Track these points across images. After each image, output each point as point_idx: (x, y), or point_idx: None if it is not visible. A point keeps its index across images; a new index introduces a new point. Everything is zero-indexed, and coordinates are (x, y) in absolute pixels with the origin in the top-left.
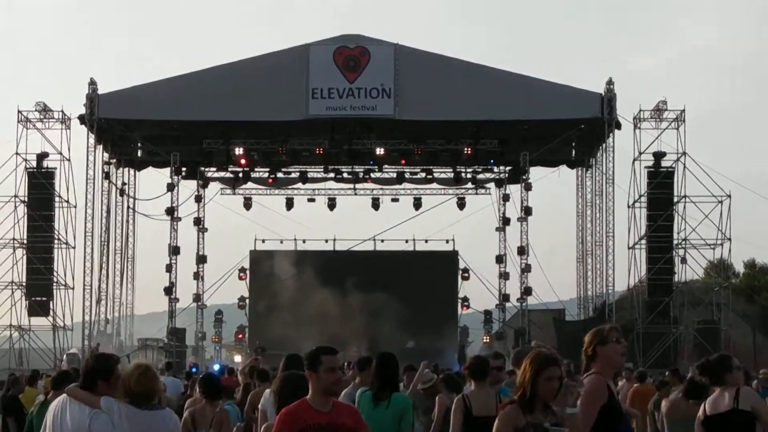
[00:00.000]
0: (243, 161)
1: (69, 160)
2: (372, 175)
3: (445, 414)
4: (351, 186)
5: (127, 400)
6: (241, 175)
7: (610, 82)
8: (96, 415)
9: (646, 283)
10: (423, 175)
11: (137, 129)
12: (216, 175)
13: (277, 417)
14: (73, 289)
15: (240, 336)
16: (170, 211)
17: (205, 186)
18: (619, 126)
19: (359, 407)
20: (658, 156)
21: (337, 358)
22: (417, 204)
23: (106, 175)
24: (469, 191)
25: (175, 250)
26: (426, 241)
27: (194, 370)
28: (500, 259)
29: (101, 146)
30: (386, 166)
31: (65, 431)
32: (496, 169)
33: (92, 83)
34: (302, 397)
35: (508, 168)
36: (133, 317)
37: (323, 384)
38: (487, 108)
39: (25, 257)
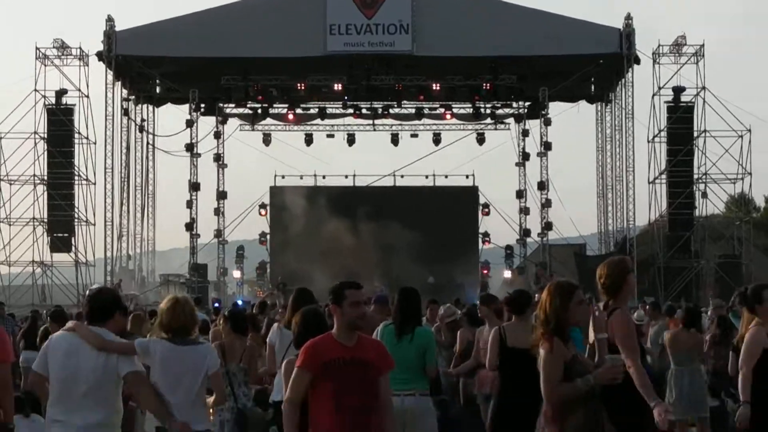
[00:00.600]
0: (261, 97)
1: (88, 96)
2: (391, 111)
3: (467, 347)
4: (370, 122)
5: (164, 335)
6: (259, 110)
7: (628, 17)
8: (124, 360)
9: (667, 217)
10: (442, 110)
11: (155, 66)
12: (235, 111)
13: (301, 350)
14: (94, 225)
15: (261, 271)
16: (190, 147)
17: (224, 122)
18: (638, 61)
19: (382, 341)
20: (678, 91)
21: (361, 292)
22: (436, 139)
23: (125, 112)
24: (489, 127)
25: (195, 186)
26: (446, 176)
27: (217, 305)
28: (520, 194)
29: (120, 83)
30: (405, 101)
31: (82, 374)
32: (515, 105)
33: (110, 20)
34: (320, 332)
35: (527, 103)
36: (154, 253)
37: (347, 318)
38: (505, 43)
39: (45, 194)
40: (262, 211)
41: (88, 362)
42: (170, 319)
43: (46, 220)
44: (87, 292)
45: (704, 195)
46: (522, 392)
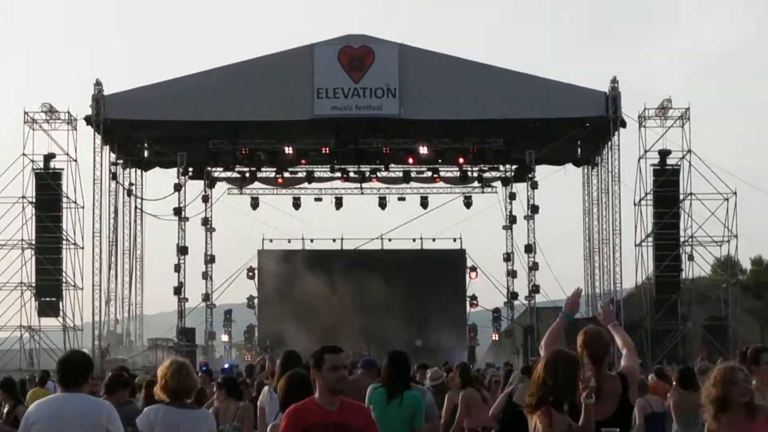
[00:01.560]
0: (249, 161)
1: (76, 160)
2: (378, 174)
3: (453, 411)
4: (357, 185)
5: (165, 398)
6: (247, 175)
7: (614, 81)
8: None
9: (654, 280)
10: (429, 174)
11: (144, 129)
12: (223, 175)
13: (283, 415)
14: (82, 289)
15: (249, 335)
16: (178, 211)
17: (212, 186)
18: (624, 124)
19: (371, 404)
20: (664, 154)
21: (340, 356)
22: (424, 203)
23: (113, 176)
24: (476, 190)
25: (183, 250)
26: (433, 239)
27: (204, 369)
28: (508, 257)
29: (108, 147)
30: (392, 165)
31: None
32: (502, 168)
33: (98, 84)
34: (305, 395)
35: (514, 166)
36: (142, 317)
37: (327, 383)
38: (492, 107)
39: (33, 258)
40: (250, 275)
41: (71, 429)
42: (176, 383)
43: (33, 285)
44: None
45: (691, 258)
46: None
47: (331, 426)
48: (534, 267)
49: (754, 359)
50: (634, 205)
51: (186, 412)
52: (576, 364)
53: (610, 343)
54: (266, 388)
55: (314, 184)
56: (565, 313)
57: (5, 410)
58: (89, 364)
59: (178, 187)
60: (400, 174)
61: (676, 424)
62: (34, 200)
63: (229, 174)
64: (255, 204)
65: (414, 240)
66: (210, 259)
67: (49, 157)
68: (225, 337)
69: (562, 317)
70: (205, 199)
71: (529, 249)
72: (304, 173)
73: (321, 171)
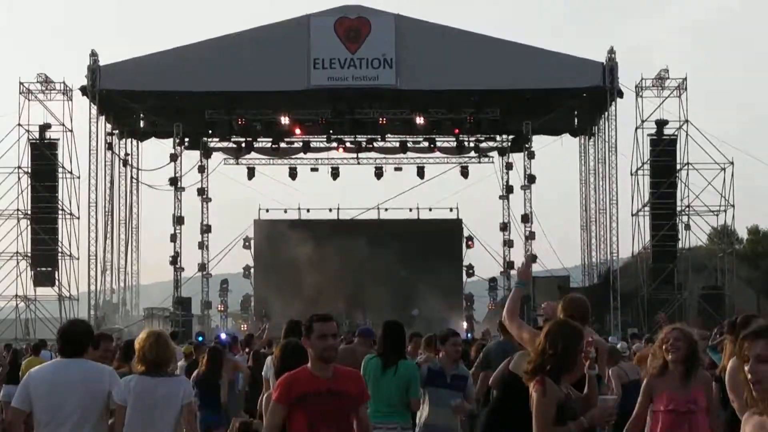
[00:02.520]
0: (245, 131)
1: (71, 131)
2: (375, 144)
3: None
4: (354, 155)
5: (142, 369)
6: (243, 145)
7: (611, 51)
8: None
9: (650, 249)
10: (426, 144)
11: (139, 100)
12: (219, 145)
13: (276, 383)
14: (78, 259)
15: (245, 305)
16: (174, 182)
17: (207, 156)
18: (621, 95)
19: (366, 373)
20: (661, 124)
21: (329, 325)
22: (420, 173)
23: (109, 146)
24: (472, 160)
25: (179, 220)
26: (430, 209)
27: (200, 339)
28: (504, 227)
29: (103, 117)
30: (389, 135)
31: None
32: (498, 138)
33: (93, 54)
34: (299, 364)
35: (510, 137)
36: (138, 287)
37: (316, 351)
38: (488, 77)
39: (29, 228)
40: (247, 244)
41: (75, 393)
42: (154, 355)
43: (29, 254)
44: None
45: (687, 227)
46: (513, 418)
47: (324, 394)
48: (531, 236)
49: (746, 327)
50: (631, 174)
51: (160, 380)
52: (578, 335)
53: (589, 308)
54: (269, 358)
55: (310, 154)
56: (519, 282)
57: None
58: (88, 334)
59: (174, 158)
60: (397, 144)
61: None
62: (29, 170)
63: (225, 144)
64: (251, 174)
65: (410, 210)
66: (206, 229)
67: (44, 128)
68: (221, 307)
69: (516, 286)
70: (201, 169)
71: (526, 219)
72: (301, 143)
73: (317, 141)
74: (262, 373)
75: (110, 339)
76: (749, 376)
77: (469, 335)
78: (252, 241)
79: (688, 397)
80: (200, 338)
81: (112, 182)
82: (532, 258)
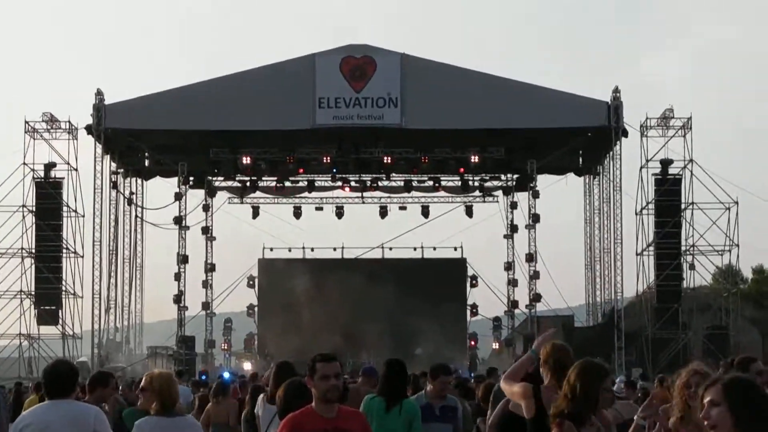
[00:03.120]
0: (250, 170)
1: (76, 170)
2: (379, 184)
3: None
4: (359, 194)
5: (157, 408)
6: (248, 184)
7: (616, 90)
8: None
9: (655, 289)
10: (430, 183)
11: (144, 139)
12: (223, 184)
13: (281, 424)
14: (81, 297)
15: (249, 343)
16: (178, 220)
17: (212, 195)
18: (626, 134)
19: (368, 413)
20: (665, 163)
21: (331, 365)
22: (425, 212)
23: (114, 185)
24: (477, 199)
25: (183, 259)
26: (434, 248)
27: (203, 377)
28: (509, 266)
29: (108, 156)
30: (393, 174)
31: None
32: (503, 177)
33: (99, 93)
34: (303, 403)
35: (515, 176)
36: (142, 326)
37: (319, 391)
38: (493, 116)
39: (33, 266)
40: (251, 283)
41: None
42: (168, 395)
43: (33, 293)
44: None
45: (692, 267)
46: None
47: None
48: (535, 276)
49: (744, 369)
50: (636, 214)
51: (178, 422)
52: (600, 376)
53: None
54: (261, 396)
55: (315, 194)
56: (533, 350)
57: None
58: (74, 374)
59: (178, 196)
60: (402, 183)
61: None
62: (34, 209)
63: (229, 183)
64: (256, 213)
65: (415, 249)
66: (210, 268)
67: (49, 166)
68: (225, 346)
69: (531, 353)
70: (206, 208)
71: (530, 258)
72: (305, 182)
73: (322, 180)
74: (255, 410)
75: (113, 377)
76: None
77: (471, 374)
78: (256, 280)
79: None
80: (203, 377)
81: (116, 221)
82: (553, 333)
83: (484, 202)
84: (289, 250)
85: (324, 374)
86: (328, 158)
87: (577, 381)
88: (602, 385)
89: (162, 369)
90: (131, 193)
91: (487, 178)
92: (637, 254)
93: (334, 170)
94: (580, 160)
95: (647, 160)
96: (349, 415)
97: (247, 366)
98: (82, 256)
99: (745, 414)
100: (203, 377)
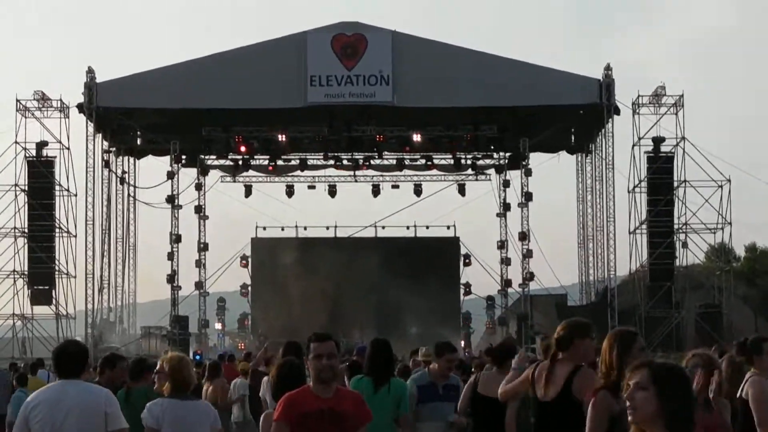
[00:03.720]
0: (243, 149)
1: (68, 148)
2: (372, 162)
3: None
4: (351, 173)
5: (170, 391)
6: (240, 162)
7: (608, 68)
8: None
9: (648, 267)
10: (423, 161)
11: (136, 117)
12: (216, 162)
13: (278, 403)
14: (75, 277)
15: (243, 323)
16: (171, 199)
17: (205, 174)
18: (618, 111)
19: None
20: (658, 141)
21: (324, 345)
22: (417, 190)
23: (106, 164)
24: (470, 177)
25: (176, 238)
26: (427, 227)
27: (198, 357)
28: (502, 245)
29: (100, 135)
30: (386, 152)
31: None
32: (495, 155)
33: (90, 71)
34: (296, 383)
35: (507, 154)
36: (135, 305)
37: (313, 371)
38: (485, 94)
39: (26, 246)
40: (244, 263)
41: (73, 415)
42: (182, 378)
43: (26, 273)
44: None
45: (684, 245)
46: None
47: (325, 413)
48: (528, 254)
49: (756, 349)
50: (628, 192)
51: (190, 405)
52: (625, 339)
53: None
54: (266, 378)
55: (307, 172)
56: (520, 367)
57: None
58: (84, 354)
59: (171, 175)
60: (394, 161)
61: None
62: (26, 188)
63: (222, 162)
64: (248, 192)
65: (408, 227)
66: (203, 247)
67: (41, 145)
68: (218, 325)
69: (518, 370)
70: (198, 186)
71: (523, 236)
72: (298, 161)
73: (314, 159)
74: (260, 394)
75: (124, 359)
76: (627, 402)
77: (466, 353)
78: (249, 259)
79: (719, 421)
80: (198, 357)
81: (109, 200)
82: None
83: (477, 180)
84: (282, 229)
85: (317, 354)
86: (320, 136)
87: (607, 352)
88: (632, 349)
89: (176, 351)
90: (123, 172)
91: (480, 156)
92: (629, 232)
93: (327, 149)
94: (573, 138)
95: (639, 138)
96: (347, 395)
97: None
98: (75, 236)
99: (672, 401)
100: (197, 357)
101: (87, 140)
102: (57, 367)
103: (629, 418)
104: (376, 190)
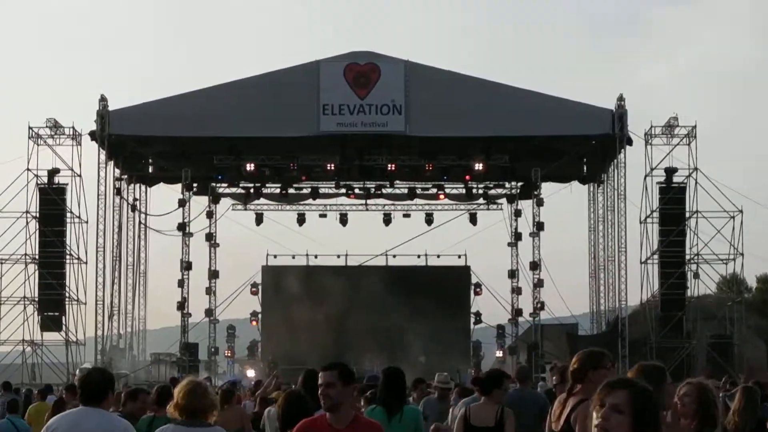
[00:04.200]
0: (254, 177)
1: (80, 176)
2: (383, 191)
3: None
4: (362, 201)
5: (176, 415)
6: (252, 190)
7: (620, 98)
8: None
9: (659, 297)
10: (434, 190)
11: (148, 145)
12: (227, 190)
13: (294, 429)
14: (85, 304)
15: (255, 350)
16: (182, 227)
17: (216, 201)
18: (630, 142)
19: None
20: (670, 171)
21: (324, 374)
22: (428, 219)
23: (118, 191)
24: (481, 206)
25: (187, 266)
26: (438, 256)
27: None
28: (512, 274)
29: (112, 162)
30: (397, 181)
31: None
32: (507, 185)
33: (103, 99)
34: (301, 413)
35: (519, 183)
36: (145, 332)
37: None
38: (498, 124)
39: (37, 272)
40: (254, 290)
41: None
42: (186, 402)
43: (36, 299)
44: (77, 372)
45: (696, 275)
46: None
47: None
48: (539, 284)
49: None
50: (640, 222)
51: (196, 430)
52: (662, 377)
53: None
54: (268, 409)
55: (319, 201)
56: None
57: None
58: (108, 383)
59: (182, 203)
60: (405, 190)
61: None
62: (38, 215)
63: (233, 190)
64: (259, 220)
65: (419, 256)
66: (213, 275)
67: (53, 172)
68: (228, 352)
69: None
70: (210, 214)
71: (534, 266)
72: (309, 189)
73: (326, 187)
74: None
75: (148, 393)
76: (598, 422)
77: None
78: (260, 287)
79: None
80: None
81: (120, 227)
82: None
83: (488, 209)
84: (293, 257)
85: (319, 383)
86: (332, 165)
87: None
88: (662, 387)
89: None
90: (135, 199)
91: (491, 185)
92: (641, 262)
93: (338, 177)
94: (585, 168)
95: (652, 169)
96: (363, 425)
97: (251, 373)
98: (86, 263)
99: (645, 425)
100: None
101: (99, 168)
102: (81, 393)
103: None
104: (387, 219)
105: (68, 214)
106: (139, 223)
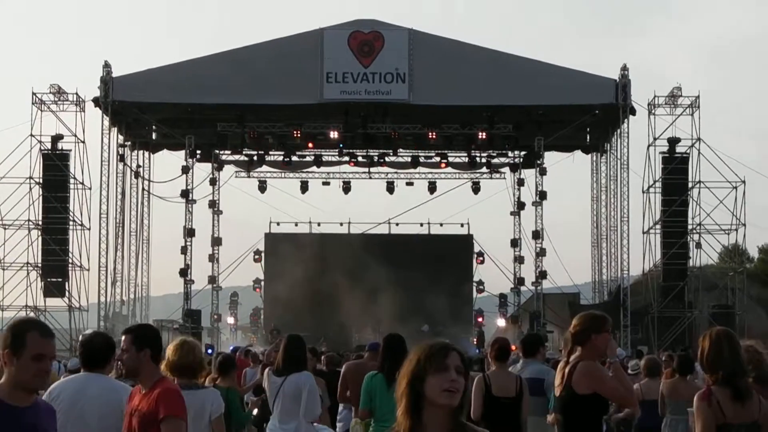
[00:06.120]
0: (257, 145)
1: (83, 142)
2: (386, 159)
3: None
4: (366, 170)
5: (172, 376)
6: (255, 158)
7: (624, 68)
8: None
9: (661, 267)
10: (438, 159)
11: (152, 112)
12: (231, 158)
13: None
14: (88, 270)
15: (255, 318)
16: (185, 194)
17: (219, 169)
18: (633, 112)
19: (372, 390)
20: (673, 142)
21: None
22: (431, 188)
23: (121, 158)
24: (484, 175)
25: (190, 233)
26: (441, 224)
27: (209, 351)
28: (515, 243)
29: (116, 128)
30: (401, 149)
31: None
32: (510, 154)
33: (106, 65)
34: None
35: (522, 153)
36: (148, 299)
37: None
38: (501, 93)
39: (40, 238)
40: (257, 258)
41: (95, 407)
42: (176, 358)
43: (39, 265)
44: (80, 337)
45: (698, 245)
46: None
47: None
48: (541, 253)
49: None
50: (643, 192)
51: (187, 393)
52: (732, 338)
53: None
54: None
55: (322, 168)
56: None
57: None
58: (110, 348)
59: (185, 170)
60: (409, 159)
61: (669, 410)
62: (41, 181)
63: (237, 157)
64: (263, 187)
65: (421, 225)
66: (216, 242)
67: (56, 138)
68: (231, 320)
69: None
70: (213, 181)
71: (537, 235)
72: (312, 157)
73: (329, 155)
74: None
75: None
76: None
77: (478, 350)
78: (262, 255)
79: None
80: (209, 351)
81: (123, 194)
82: None
83: (491, 178)
84: (296, 225)
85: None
86: (336, 133)
87: (723, 346)
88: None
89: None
90: (138, 165)
91: (494, 154)
92: (643, 232)
93: (341, 145)
94: (588, 137)
95: (655, 139)
96: (162, 391)
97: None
98: (89, 229)
99: None
100: (209, 351)
101: (102, 134)
102: (82, 358)
103: None
104: (390, 187)
105: (71, 180)
106: (143, 189)
